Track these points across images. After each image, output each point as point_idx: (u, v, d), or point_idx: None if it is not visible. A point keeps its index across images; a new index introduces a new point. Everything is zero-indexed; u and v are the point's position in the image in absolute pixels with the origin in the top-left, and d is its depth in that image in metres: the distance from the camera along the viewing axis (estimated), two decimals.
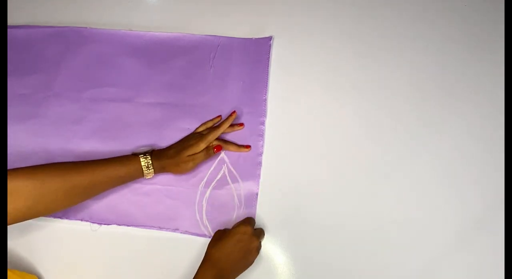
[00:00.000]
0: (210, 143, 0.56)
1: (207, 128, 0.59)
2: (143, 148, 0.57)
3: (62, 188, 0.46)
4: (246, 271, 0.50)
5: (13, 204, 0.42)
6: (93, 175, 0.49)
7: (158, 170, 0.54)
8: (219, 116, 0.60)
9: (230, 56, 0.64)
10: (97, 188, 0.51)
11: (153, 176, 0.54)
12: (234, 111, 0.59)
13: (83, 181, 0.48)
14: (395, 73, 0.63)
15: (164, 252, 0.54)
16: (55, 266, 0.54)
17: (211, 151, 0.56)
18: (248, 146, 0.58)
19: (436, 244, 0.54)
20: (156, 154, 0.54)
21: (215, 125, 0.60)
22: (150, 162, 0.53)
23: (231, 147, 0.58)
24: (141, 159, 0.52)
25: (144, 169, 0.52)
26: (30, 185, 0.44)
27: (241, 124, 0.59)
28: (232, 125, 0.59)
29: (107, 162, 0.51)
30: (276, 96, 0.62)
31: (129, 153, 0.57)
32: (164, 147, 0.57)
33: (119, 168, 0.51)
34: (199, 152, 0.55)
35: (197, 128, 0.59)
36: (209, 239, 0.53)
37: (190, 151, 0.54)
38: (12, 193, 0.43)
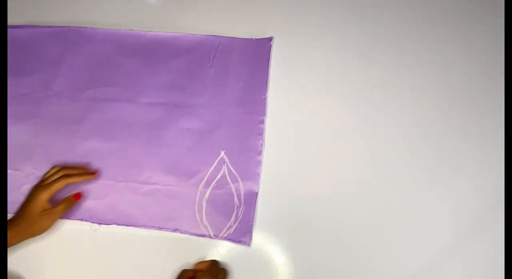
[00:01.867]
0: (55, 192, 0.51)
1: (57, 172, 0.54)
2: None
3: None
4: (246, 271, 0.50)
5: None
6: None
7: (17, 240, 0.48)
8: (85, 167, 0.57)
9: (230, 56, 0.64)
10: None
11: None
12: (96, 172, 0.56)
13: None
14: (394, 73, 0.63)
15: (164, 252, 0.54)
16: (54, 266, 0.54)
17: (72, 202, 0.52)
18: (94, 173, 0.56)
19: (437, 244, 0.54)
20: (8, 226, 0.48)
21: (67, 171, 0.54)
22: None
23: (77, 179, 0.53)
24: None
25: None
26: None
27: (94, 173, 0.56)
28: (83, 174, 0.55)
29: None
30: (276, 96, 0.62)
31: (129, 153, 0.57)
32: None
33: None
34: (55, 207, 0.50)
35: (48, 172, 0.55)
36: (209, 239, 0.53)
37: (35, 208, 0.49)
38: None
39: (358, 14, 0.67)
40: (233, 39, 0.65)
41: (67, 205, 0.52)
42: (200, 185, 0.57)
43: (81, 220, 0.56)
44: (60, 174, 0.53)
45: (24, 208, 0.50)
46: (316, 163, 0.58)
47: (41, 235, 0.51)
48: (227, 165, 0.58)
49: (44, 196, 0.50)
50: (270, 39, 0.65)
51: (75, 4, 0.69)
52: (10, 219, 0.50)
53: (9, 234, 0.47)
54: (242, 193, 0.56)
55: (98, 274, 0.54)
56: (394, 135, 0.59)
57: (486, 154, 0.58)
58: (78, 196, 0.53)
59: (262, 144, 0.59)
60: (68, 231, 0.55)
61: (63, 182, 0.51)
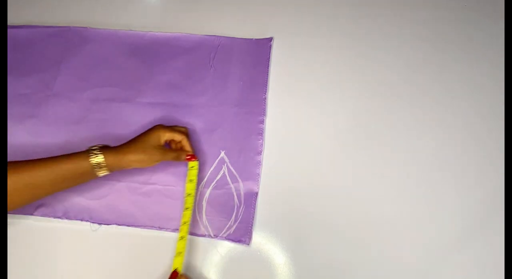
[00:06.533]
0: (175, 136, 0.53)
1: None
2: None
3: (13, 186, 0.44)
4: (246, 271, 0.50)
5: None
6: (43, 172, 0.46)
7: (115, 167, 0.50)
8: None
9: (230, 57, 0.64)
10: (48, 187, 0.48)
11: (108, 174, 0.50)
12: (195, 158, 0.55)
13: (33, 178, 0.46)
14: (394, 73, 0.63)
15: (164, 252, 0.54)
16: (54, 266, 0.54)
17: (183, 157, 0.53)
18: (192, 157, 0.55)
19: (437, 244, 0.54)
20: (113, 150, 0.50)
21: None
22: (103, 159, 0.48)
23: (189, 148, 0.54)
24: (91, 158, 0.48)
25: (95, 168, 0.48)
26: None
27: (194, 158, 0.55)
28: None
29: (56, 159, 0.48)
30: (276, 96, 0.62)
31: None
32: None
33: (66, 166, 0.47)
34: (169, 149, 0.53)
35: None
36: (209, 239, 0.53)
37: (152, 139, 0.51)
38: None
39: (358, 14, 0.67)
40: (233, 39, 0.65)
41: (178, 156, 0.53)
42: (200, 185, 0.57)
43: (81, 220, 0.56)
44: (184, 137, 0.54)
45: (141, 137, 0.51)
46: (316, 163, 0.58)
47: (142, 167, 0.51)
48: (227, 165, 0.58)
49: (164, 133, 0.52)
50: (270, 39, 0.65)
51: (75, 4, 0.70)
52: (121, 145, 0.51)
53: (114, 159, 0.49)
54: (242, 193, 0.56)
55: (98, 274, 0.54)
56: (395, 135, 0.59)
57: (487, 154, 0.58)
58: (190, 159, 0.54)
59: (262, 144, 0.59)
60: (68, 231, 0.55)
61: (183, 137, 0.53)
